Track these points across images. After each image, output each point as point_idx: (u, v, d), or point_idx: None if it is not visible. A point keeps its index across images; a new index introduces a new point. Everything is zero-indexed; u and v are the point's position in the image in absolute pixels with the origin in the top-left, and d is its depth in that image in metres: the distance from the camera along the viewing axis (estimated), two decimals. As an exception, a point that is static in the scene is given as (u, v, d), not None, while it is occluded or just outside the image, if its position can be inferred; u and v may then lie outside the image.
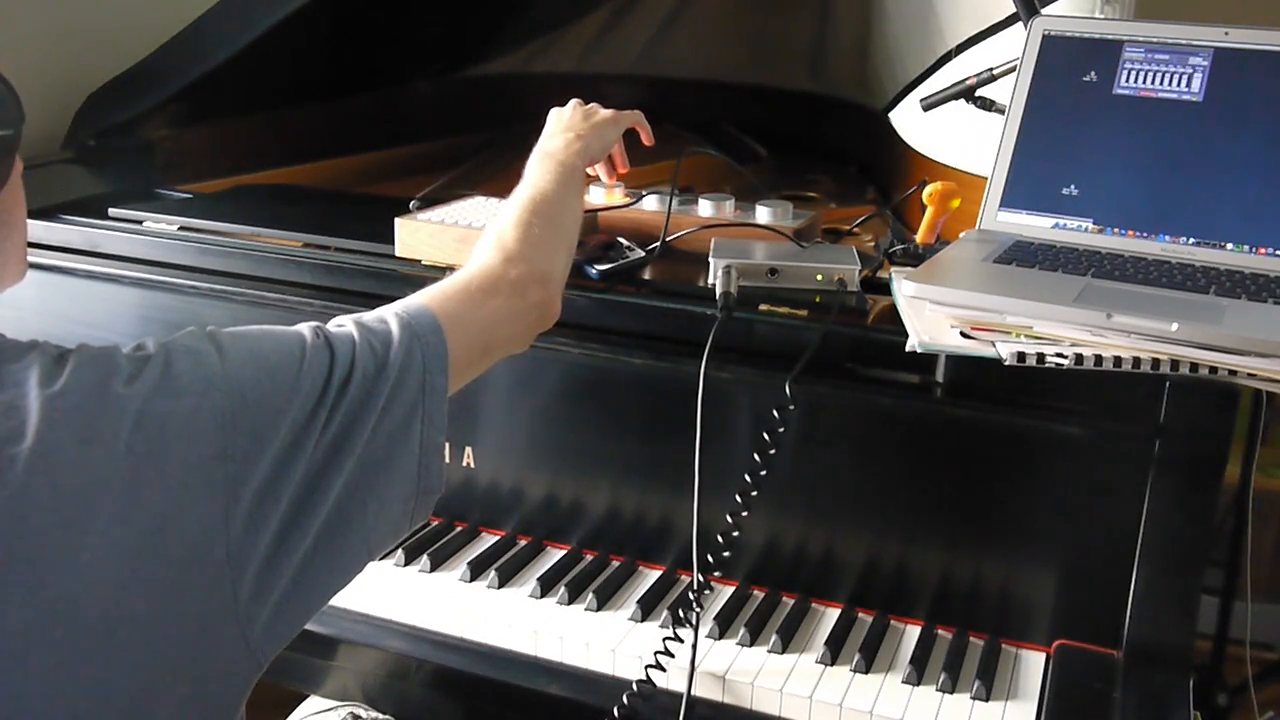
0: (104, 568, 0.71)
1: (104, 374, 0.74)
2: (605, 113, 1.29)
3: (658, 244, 1.33)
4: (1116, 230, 1.22)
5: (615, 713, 1.10)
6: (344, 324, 0.89)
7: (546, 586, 1.23)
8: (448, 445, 1.29)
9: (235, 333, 0.83)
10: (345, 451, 0.82)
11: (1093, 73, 1.25)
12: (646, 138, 1.35)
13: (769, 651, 1.14)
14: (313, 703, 1.34)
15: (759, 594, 1.23)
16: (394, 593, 1.23)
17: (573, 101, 1.30)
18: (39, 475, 0.70)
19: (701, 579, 1.13)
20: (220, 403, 0.76)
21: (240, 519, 0.76)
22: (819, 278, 1.24)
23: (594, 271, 1.25)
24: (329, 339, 0.85)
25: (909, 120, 1.98)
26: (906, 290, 1.10)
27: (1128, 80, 1.23)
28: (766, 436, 1.12)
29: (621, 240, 1.33)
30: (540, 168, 1.17)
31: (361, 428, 0.83)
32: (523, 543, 1.31)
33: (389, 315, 0.91)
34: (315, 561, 0.81)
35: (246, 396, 0.78)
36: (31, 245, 1.48)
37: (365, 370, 0.84)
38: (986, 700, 1.08)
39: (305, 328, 0.86)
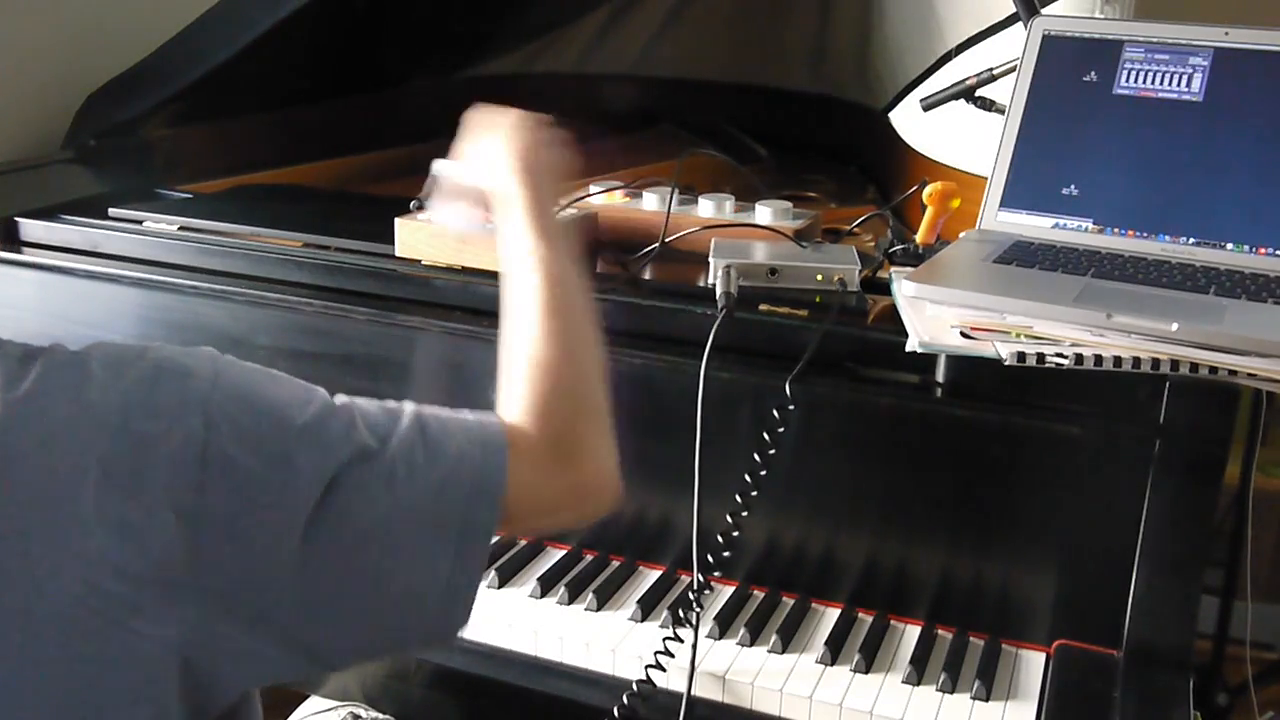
0: (62, 580, 0.69)
1: (75, 381, 0.72)
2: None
3: (657, 244, 1.33)
4: (1116, 230, 1.22)
5: (615, 713, 1.10)
6: (397, 412, 0.80)
7: (546, 586, 1.23)
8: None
9: (243, 365, 0.78)
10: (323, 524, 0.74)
11: (1093, 73, 1.25)
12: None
13: (769, 651, 1.14)
14: (313, 703, 1.34)
15: (759, 594, 1.23)
16: (394, 593, 1.23)
17: (513, 118, 1.08)
18: None
19: (701, 579, 1.13)
20: (196, 429, 0.72)
21: (198, 546, 0.72)
22: (819, 278, 1.24)
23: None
24: (346, 412, 0.78)
25: (909, 120, 1.98)
26: (906, 290, 1.11)
27: (1128, 80, 1.23)
28: (766, 436, 1.12)
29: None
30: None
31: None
32: (523, 543, 1.31)
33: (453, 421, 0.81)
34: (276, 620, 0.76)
35: (222, 429, 0.73)
36: (31, 245, 1.50)
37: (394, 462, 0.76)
38: (986, 700, 1.08)
39: (327, 396, 0.80)
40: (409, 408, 0.81)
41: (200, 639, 0.74)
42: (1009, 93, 1.28)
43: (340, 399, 0.80)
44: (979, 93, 1.46)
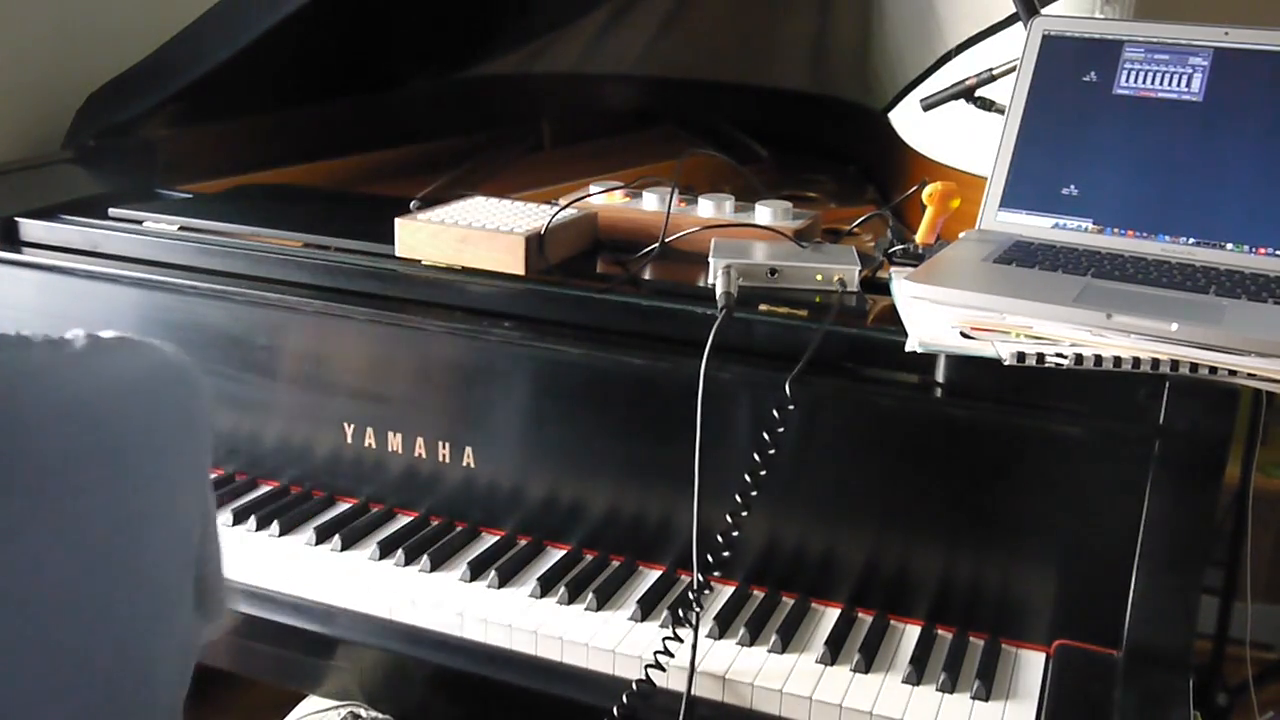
0: (159, 534, 0.77)
1: (112, 347, 0.78)
2: None
3: (657, 244, 1.33)
4: (1116, 230, 1.22)
5: (615, 713, 1.10)
6: None
7: (546, 586, 1.23)
8: (449, 444, 1.30)
9: None
10: None
11: (1093, 73, 1.25)
12: None
13: (769, 651, 1.14)
14: (312, 702, 1.34)
15: (759, 594, 1.23)
16: (394, 593, 1.23)
17: None
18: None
19: (701, 579, 1.13)
20: (206, 404, 0.83)
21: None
22: (819, 278, 1.24)
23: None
24: None
25: (909, 120, 1.98)
26: (906, 290, 1.11)
27: (1128, 80, 1.23)
28: (766, 436, 1.12)
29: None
30: None
31: None
32: (523, 543, 1.31)
33: None
34: None
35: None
36: (31, 245, 1.50)
37: None
38: (986, 700, 1.08)
39: None
40: None
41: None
42: (1009, 93, 1.28)
43: None
44: (979, 93, 1.46)
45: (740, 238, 1.33)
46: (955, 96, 1.48)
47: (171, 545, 0.77)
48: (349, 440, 1.35)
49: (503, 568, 1.25)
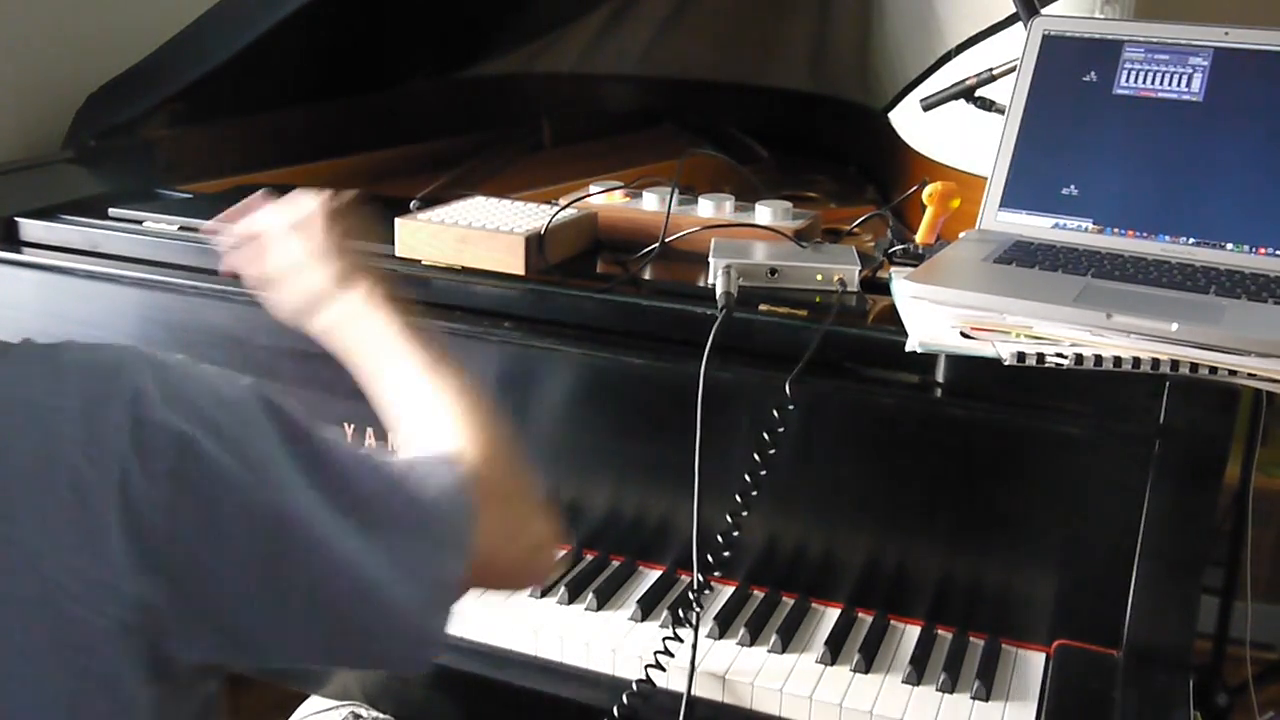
0: (40, 566, 0.69)
1: (47, 372, 0.72)
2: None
3: (657, 244, 1.33)
4: (1116, 230, 1.22)
5: (615, 712, 1.10)
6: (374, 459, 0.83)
7: (546, 586, 1.22)
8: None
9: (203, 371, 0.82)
10: None
11: (1093, 73, 1.25)
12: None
13: (769, 651, 1.14)
14: (313, 702, 1.34)
15: (759, 594, 1.23)
16: (394, 593, 1.23)
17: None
18: None
19: (701, 579, 1.13)
20: (177, 428, 0.75)
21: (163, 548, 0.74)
22: (819, 278, 1.24)
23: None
24: None
25: (909, 120, 1.98)
26: (906, 290, 1.11)
27: (1128, 80, 1.23)
28: (766, 436, 1.12)
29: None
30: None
31: None
32: (523, 543, 1.31)
33: None
34: None
35: (199, 435, 0.76)
36: (31, 245, 1.50)
37: None
38: (986, 700, 1.08)
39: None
40: (385, 458, 0.82)
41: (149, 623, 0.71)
42: (1009, 93, 1.28)
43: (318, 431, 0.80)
44: (979, 93, 1.46)
45: (740, 238, 1.33)
46: (955, 96, 1.47)
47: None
48: (349, 440, 1.35)
49: (503, 568, 1.25)
